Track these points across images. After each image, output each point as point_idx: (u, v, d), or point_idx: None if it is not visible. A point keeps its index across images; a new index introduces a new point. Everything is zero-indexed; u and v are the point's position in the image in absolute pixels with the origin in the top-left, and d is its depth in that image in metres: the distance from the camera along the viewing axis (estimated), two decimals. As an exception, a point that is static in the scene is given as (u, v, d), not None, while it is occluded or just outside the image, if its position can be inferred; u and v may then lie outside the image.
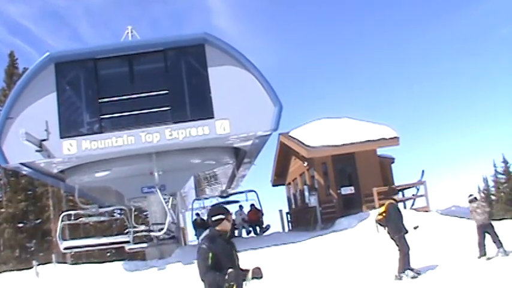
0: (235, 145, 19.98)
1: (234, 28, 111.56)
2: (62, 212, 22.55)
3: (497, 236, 12.58)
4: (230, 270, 5.33)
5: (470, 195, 13.40)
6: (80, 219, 21.97)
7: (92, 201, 25.73)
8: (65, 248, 20.67)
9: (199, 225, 26.85)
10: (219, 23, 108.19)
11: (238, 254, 5.80)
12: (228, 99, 17.96)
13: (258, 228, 26.63)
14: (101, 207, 21.94)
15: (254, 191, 28.54)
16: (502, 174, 55.64)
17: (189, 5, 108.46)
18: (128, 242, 20.03)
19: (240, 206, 27.59)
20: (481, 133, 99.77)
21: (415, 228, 13.20)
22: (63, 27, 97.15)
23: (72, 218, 21.59)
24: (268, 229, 26.52)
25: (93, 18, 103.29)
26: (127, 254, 27.99)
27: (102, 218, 23.33)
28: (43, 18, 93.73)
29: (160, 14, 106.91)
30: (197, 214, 28.06)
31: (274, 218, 29.80)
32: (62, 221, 20.50)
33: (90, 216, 21.87)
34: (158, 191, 18.84)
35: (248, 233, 26.89)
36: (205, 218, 28.09)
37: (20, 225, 36.80)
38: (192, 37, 18.58)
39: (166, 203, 19.21)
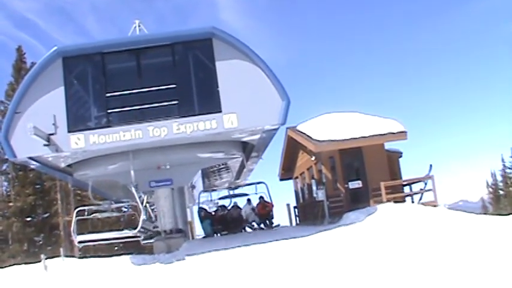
0: (242, 139, 19.96)
1: (240, 22, 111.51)
2: (76, 208, 22.44)
3: None
4: None
5: None
6: (94, 214, 21.97)
7: (99, 196, 25.81)
8: (79, 242, 20.46)
9: (203, 217, 26.78)
10: (225, 18, 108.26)
11: None
12: (236, 93, 17.90)
13: (267, 222, 26.40)
14: (113, 202, 21.94)
15: (264, 183, 28.40)
16: (511, 168, 55.32)
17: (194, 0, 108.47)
18: (140, 236, 20.11)
19: (248, 200, 27.46)
20: (489, 127, 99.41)
21: None
22: (69, 22, 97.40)
23: (86, 213, 21.65)
24: (277, 227, 26.27)
25: (98, 13, 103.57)
26: (134, 248, 28.13)
27: (115, 214, 23.30)
28: (49, 12, 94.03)
29: (166, 9, 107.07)
30: (201, 208, 27.88)
31: (281, 212, 29.85)
32: (77, 216, 20.51)
33: (103, 211, 21.89)
34: (133, 188, 18.99)
35: (258, 225, 26.68)
36: (211, 210, 28.14)
37: (28, 219, 37.03)
38: (200, 31, 18.51)
39: (142, 201, 19.38)
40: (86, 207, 21.62)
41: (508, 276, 10.21)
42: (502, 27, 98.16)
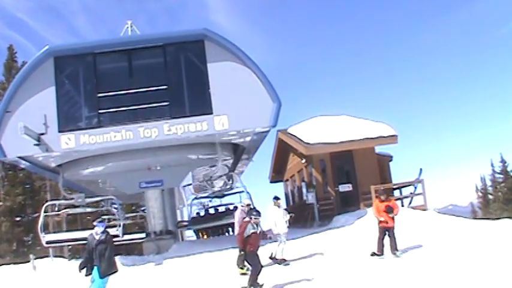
0: (233, 141, 19.98)
1: (231, 24, 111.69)
2: (45, 202, 21.75)
3: None
4: None
5: None
6: (66, 210, 21.39)
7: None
8: (48, 242, 19.64)
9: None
10: (216, 19, 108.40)
11: None
12: (227, 95, 17.94)
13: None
14: (88, 197, 21.45)
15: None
16: (500, 173, 55.55)
17: (184, 1, 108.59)
18: (117, 236, 19.86)
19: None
20: (479, 132, 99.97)
21: None
22: (59, 21, 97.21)
23: (56, 208, 21.18)
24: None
25: (89, 13, 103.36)
26: (124, 249, 27.93)
27: (89, 209, 22.66)
28: (40, 12, 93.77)
29: (157, 10, 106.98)
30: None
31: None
32: (45, 211, 19.87)
33: (76, 207, 21.49)
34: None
35: None
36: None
37: (18, 218, 36.75)
38: (192, 33, 18.54)
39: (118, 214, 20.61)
40: (55, 202, 21.20)
41: (498, 278, 10.29)
42: (500, 31, 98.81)
